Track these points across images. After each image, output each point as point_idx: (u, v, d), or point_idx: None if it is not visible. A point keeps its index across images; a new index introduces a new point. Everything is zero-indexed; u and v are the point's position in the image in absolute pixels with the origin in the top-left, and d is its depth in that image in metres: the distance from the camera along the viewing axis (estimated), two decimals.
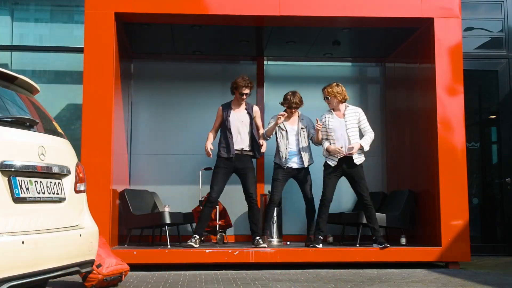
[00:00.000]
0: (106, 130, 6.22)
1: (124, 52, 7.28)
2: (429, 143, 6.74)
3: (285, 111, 6.87)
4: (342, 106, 6.67)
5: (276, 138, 6.88)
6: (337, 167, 6.56)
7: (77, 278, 5.58)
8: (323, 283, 5.18)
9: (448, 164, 6.46)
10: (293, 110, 6.88)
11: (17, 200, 3.16)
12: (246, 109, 6.78)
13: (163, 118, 8.28)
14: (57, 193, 3.57)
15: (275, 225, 7.49)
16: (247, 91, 6.69)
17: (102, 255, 4.86)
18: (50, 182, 3.51)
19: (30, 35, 8.70)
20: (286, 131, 6.85)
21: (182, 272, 5.98)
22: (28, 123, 3.47)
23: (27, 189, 3.27)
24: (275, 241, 7.40)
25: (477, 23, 8.44)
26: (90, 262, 3.79)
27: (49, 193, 3.48)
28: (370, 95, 8.68)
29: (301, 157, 6.83)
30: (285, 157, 6.78)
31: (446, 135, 6.52)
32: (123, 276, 5.08)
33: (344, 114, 6.63)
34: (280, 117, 6.61)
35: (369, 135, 6.60)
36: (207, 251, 6.21)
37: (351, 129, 6.55)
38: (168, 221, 6.69)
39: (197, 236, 6.47)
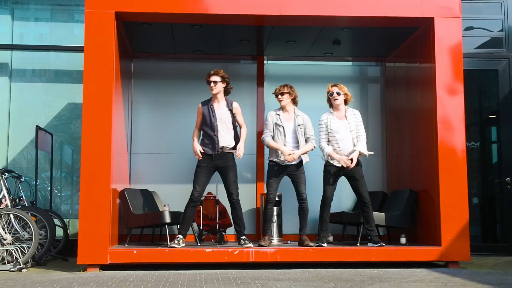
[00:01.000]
0: (106, 129, 6.22)
1: (124, 52, 7.28)
2: (429, 143, 6.74)
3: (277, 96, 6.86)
4: (344, 107, 6.69)
5: (273, 135, 6.85)
6: (337, 166, 6.58)
7: (77, 277, 5.58)
8: (323, 283, 5.18)
9: (448, 163, 6.46)
10: (280, 97, 6.82)
11: None
12: (226, 106, 6.72)
13: (163, 118, 8.29)
14: None
15: (275, 224, 7.49)
16: (213, 78, 6.62)
17: None
18: None
19: (30, 34, 8.71)
20: (283, 127, 6.82)
21: (182, 271, 5.98)
22: None
23: None
24: (275, 240, 7.41)
25: (477, 23, 8.45)
26: None
27: None
28: (370, 95, 8.68)
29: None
30: (283, 160, 6.74)
31: (446, 134, 6.52)
32: None
33: (346, 116, 6.65)
34: (289, 157, 6.61)
35: (363, 139, 6.62)
36: (207, 250, 6.21)
37: (354, 131, 6.60)
38: (168, 220, 6.70)
39: (181, 237, 6.45)
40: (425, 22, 6.81)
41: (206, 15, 6.57)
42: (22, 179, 7.24)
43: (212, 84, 6.65)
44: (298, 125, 6.81)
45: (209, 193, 7.60)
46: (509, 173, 8.14)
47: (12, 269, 6.06)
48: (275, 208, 7.41)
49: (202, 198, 7.47)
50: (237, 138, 6.72)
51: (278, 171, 6.77)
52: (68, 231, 7.66)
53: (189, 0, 6.56)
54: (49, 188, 8.00)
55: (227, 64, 8.53)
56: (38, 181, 7.70)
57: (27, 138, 8.25)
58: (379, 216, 6.97)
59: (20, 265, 6.13)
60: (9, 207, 6.69)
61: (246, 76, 8.49)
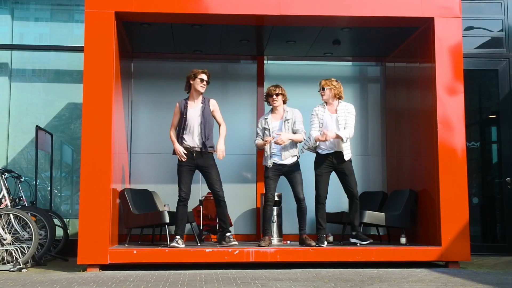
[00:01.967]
0: (106, 129, 6.22)
1: (124, 51, 7.28)
2: (429, 143, 6.74)
3: (266, 100, 6.92)
4: (335, 102, 6.70)
5: (262, 139, 6.90)
6: (328, 162, 6.59)
7: (77, 277, 5.58)
8: (323, 282, 5.18)
9: (448, 163, 6.45)
10: (275, 98, 6.84)
11: None
12: (202, 103, 6.67)
13: (163, 117, 8.26)
14: None
15: (275, 224, 7.48)
16: (204, 76, 6.62)
17: None
18: None
19: (30, 34, 8.71)
20: (269, 129, 6.83)
21: (182, 271, 5.98)
22: None
23: None
24: (275, 240, 7.40)
25: (477, 23, 8.45)
26: None
27: None
28: (370, 95, 8.68)
29: (283, 150, 6.78)
30: (269, 154, 6.76)
31: (446, 134, 6.52)
32: None
33: (336, 110, 6.66)
34: (279, 139, 6.63)
35: (348, 130, 6.56)
36: (207, 250, 6.21)
37: (342, 125, 6.59)
38: (168, 220, 6.69)
39: (178, 237, 6.46)
40: (425, 22, 6.81)
41: (206, 15, 6.57)
42: (22, 179, 7.25)
43: (204, 83, 6.65)
44: (286, 120, 6.81)
45: (209, 193, 7.59)
46: (509, 173, 8.14)
47: (12, 269, 6.06)
48: (275, 208, 7.41)
49: (202, 198, 7.48)
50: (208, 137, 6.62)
51: (273, 170, 6.77)
52: (68, 231, 7.66)
53: (189, 0, 6.56)
54: (49, 188, 7.99)
55: (227, 64, 8.54)
56: (38, 181, 7.70)
57: (27, 138, 8.25)
58: (379, 216, 6.98)
59: (20, 265, 6.13)
60: (9, 207, 6.69)
61: (246, 76, 8.49)
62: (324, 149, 6.64)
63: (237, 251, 6.20)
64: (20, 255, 6.27)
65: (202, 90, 6.64)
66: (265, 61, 8.54)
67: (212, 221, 7.47)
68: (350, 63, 8.83)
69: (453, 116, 6.54)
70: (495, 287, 5.00)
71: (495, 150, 8.50)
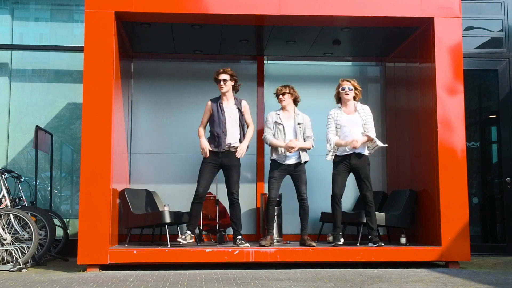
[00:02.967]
0: (106, 129, 6.22)
1: (124, 51, 7.28)
2: (429, 143, 6.74)
3: (277, 96, 6.91)
4: (353, 103, 6.72)
5: (274, 134, 6.84)
6: (346, 162, 6.57)
7: (77, 277, 5.58)
8: (323, 282, 5.18)
9: (448, 163, 6.46)
10: (282, 97, 6.85)
11: None
12: (235, 104, 6.74)
13: (163, 117, 8.28)
14: None
15: (275, 224, 7.48)
16: (222, 76, 6.66)
17: None
18: None
19: (30, 34, 8.71)
20: (283, 125, 6.82)
21: (182, 271, 5.98)
22: None
23: None
24: (275, 240, 7.40)
25: (477, 23, 8.45)
26: None
27: None
28: (370, 95, 8.67)
29: (299, 153, 6.81)
30: (284, 153, 6.75)
31: (446, 134, 6.52)
32: None
33: (355, 111, 6.67)
34: (291, 145, 6.63)
35: (372, 131, 6.64)
36: (207, 250, 6.21)
37: (360, 125, 6.63)
38: (168, 220, 6.69)
39: (189, 232, 6.48)
40: (425, 22, 6.81)
41: (206, 15, 6.57)
42: (22, 179, 7.24)
43: (221, 83, 6.67)
44: (298, 124, 6.82)
45: (209, 193, 7.59)
46: (509, 173, 8.14)
47: (12, 269, 6.06)
48: (275, 208, 7.41)
49: None
50: (243, 137, 6.74)
51: (280, 170, 6.76)
52: (68, 231, 7.66)
53: (189, 0, 6.56)
54: (49, 188, 8.00)
55: (227, 64, 8.50)
56: (38, 181, 7.70)
57: (27, 138, 8.25)
58: (379, 216, 6.97)
59: (20, 265, 6.13)
60: (9, 207, 6.69)
61: (246, 76, 8.48)
62: (343, 150, 6.63)
63: (237, 251, 6.20)
64: (20, 255, 6.27)
65: (222, 90, 6.70)
66: (265, 61, 8.55)
67: (212, 221, 7.47)
68: (350, 63, 8.83)
69: (453, 116, 6.54)
70: (495, 287, 5.00)
71: (495, 150, 8.50)
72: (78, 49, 7.78)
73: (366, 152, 6.70)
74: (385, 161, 8.41)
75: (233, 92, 6.80)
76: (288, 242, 7.29)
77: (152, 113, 8.28)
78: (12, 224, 6.36)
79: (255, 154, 8.19)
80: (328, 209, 7.82)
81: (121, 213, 6.88)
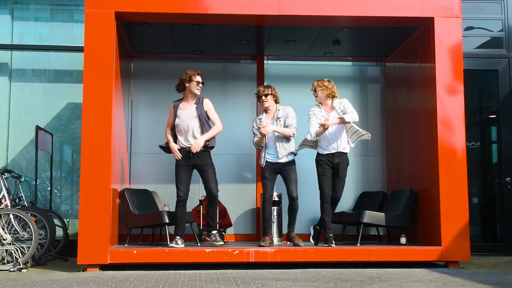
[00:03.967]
0: (106, 129, 6.22)
1: (124, 51, 7.28)
2: (429, 143, 6.74)
3: (259, 98, 6.91)
4: (329, 101, 6.70)
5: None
6: (328, 162, 6.59)
7: (77, 277, 5.58)
8: (323, 282, 5.18)
9: (448, 163, 6.45)
10: (264, 99, 6.83)
11: None
12: (195, 103, 6.64)
13: (163, 117, 8.23)
14: None
15: (275, 224, 7.49)
16: (200, 78, 6.61)
17: None
18: None
19: (30, 34, 8.71)
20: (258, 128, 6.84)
21: (182, 271, 5.98)
22: None
23: None
24: (275, 240, 7.40)
25: (477, 23, 8.45)
26: None
27: None
28: (370, 95, 8.68)
29: (276, 148, 6.76)
30: (263, 155, 6.77)
31: (446, 134, 6.52)
32: None
33: (332, 108, 6.67)
34: (262, 128, 6.62)
35: (351, 115, 6.52)
36: (207, 250, 6.21)
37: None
38: (168, 220, 6.69)
39: (178, 237, 6.47)
40: (425, 22, 6.81)
41: (206, 15, 6.57)
42: (22, 179, 7.24)
43: (201, 85, 6.64)
44: (278, 118, 6.81)
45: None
46: (509, 173, 8.14)
47: (12, 269, 6.06)
48: (275, 208, 7.42)
49: (202, 198, 7.47)
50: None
51: (270, 169, 6.77)
52: (68, 231, 7.66)
53: (189, 0, 6.56)
54: (49, 188, 8.00)
55: (227, 64, 8.54)
56: (38, 181, 7.70)
57: (27, 138, 8.25)
58: (379, 216, 6.97)
59: (20, 265, 6.13)
60: (9, 207, 6.69)
61: (246, 76, 8.49)
62: (326, 148, 6.64)
63: (237, 251, 6.20)
64: (20, 255, 6.27)
65: (199, 93, 6.65)
66: (265, 61, 8.55)
67: None
68: (350, 63, 8.83)
69: (453, 116, 6.54)
70: (495, 287, 5.00)
71: (495, 150, 8.50)
72: (78, 49, 7.78)
73: (347, 151, 6.67)
74: (385, 161, 8.41)
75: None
76: (288, 242, 7.28)
77: (152, 113, 8.28)
78: (12, 224, 6.36)
79: (255, 154, 8.19)
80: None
81: (121, 213, 6.88)
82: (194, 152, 6.49)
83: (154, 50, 8.23)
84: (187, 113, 6.60)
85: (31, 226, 6.27)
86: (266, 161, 6.78)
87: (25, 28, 8.68)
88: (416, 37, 7.26)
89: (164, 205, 7.35)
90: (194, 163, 6.59)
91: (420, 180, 7.09)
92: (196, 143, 6.50)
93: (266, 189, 6.77)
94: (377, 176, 8.43)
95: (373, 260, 6.33)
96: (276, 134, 6.77)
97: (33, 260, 6.43)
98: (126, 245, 6.80)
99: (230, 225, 7.65)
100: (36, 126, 7.38)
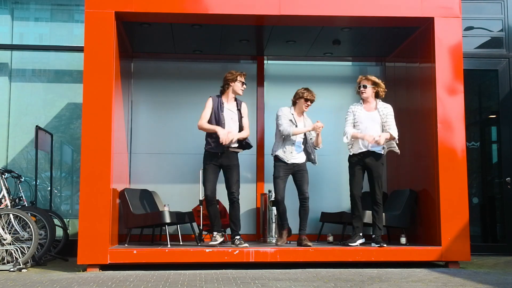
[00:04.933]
0: (106, 129, 6.22)
1: (124, 51, 7.28)
2: (429, 143, 6.74)
3: (294, 104, 6.81)
4: (373, 100, 6.67)
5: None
6: (360, 160, 6.56)
7: (77, 277, 5.58)
8: (323, 282, 5.18)
9: (448, 163, 6.45)
10: (308, 104, 6.78)
11: None
12: (236, 105, 6.70)
13: (163, 117, 8.29)
14: None
15: (275, 224, 7.49)
16: (244, 79, 6.66)
17: None
18: None
19: (30, 34, 8.71)
20: (296, 125, 6.77)
21: (182, 271, 5.98)
22: None
23: None
24: (275, 240, 7.40)
25: (477, 23, 8.45)
26: None
27: None
28: None
29: (304, 154, 6.78)
30: (291, 152, 6.71)
31: (446, 134, 6.52)
32: None
33: (375, 108, 6.62)
34: (318, 128, 6.56)
35: (394, 131, 6.55)
36: (207, 250, 6.21)
37: (378, 123, 6.57)
38: (168, 220, 6.69)
39: (215, 233, 6.56)
40: (425, 22, 6.81)
41: (206, 15, 6.57)
42: (22, 179, 7.24)
43: (244, 86, 6.68)
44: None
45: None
46: (509, 173, 8.14)
47: (12, 269, 6.06)
48: (275, 208, 7.41)
49: (202, 198, 7.47)
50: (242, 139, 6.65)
51: (286, 169, 6.73)
52: (68, 231, 7.66)
53: (189, 0, 6.56)
54: (49, 188, 7.99)
55: (227, 64, 8.53)
56: (38, 181, 7.70)
57: (27, 138, 8.25)
58: None
59: (20, 265, 6.13)
60: (9, 207, 6.68)
61: (246, 76, 8.47)
62: (358, 148, 6.59)
63: (237, 251, 6.20)
64: (20, 255, 6.27)
65: (242, 93, 6.67)
66: (265, 61, 8.55)
67: None
68: (350, 63, 8.83)
69: (453, 116, 6.54)
70: (495, 287, 5.00)
71: (495, 150, 8.50)
72: (78, 49, 7.78)
73: (382, 151, 6.65)
74: (385, 161, 8.39)
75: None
76: (288, 242, 7.28)
77: (152, 113, 8.28)
78: (12, 224, 6.36)
79: (255, 154, 8.19)
80: (328, 209, 7.85)
81: (121, 213, 6.88)
82: (224, 142, 6.39)
83: (154, 50, 8.23)
84: (229, 113, 6.61)
85: (31, 226, 6.27)
86: (282, 160, 6.71)
87: (25, 28, 8.68)
88: (416, 37, 7.26)
89: (164, 205, 7.35)
90: (222, 163, 6.58)
91: (420, 180, 7.09)
92: (226, 135, 6.40)
93: (279, 190, 6.68)
94: None
95: (373, 260, 6.33)
96: (306, 141, 6.75)
97: (33, 260, 6.43)
98: (126, 245, 6.80)
99: (230, 225, 7.64)
100: (36, 126, 7.38)
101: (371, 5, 6.61)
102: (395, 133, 6.54)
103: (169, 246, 6.52)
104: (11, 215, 6.38)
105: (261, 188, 8.10)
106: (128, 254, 6.13)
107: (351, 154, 6.62)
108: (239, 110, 6.68)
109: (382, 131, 6.57)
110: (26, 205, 7.12)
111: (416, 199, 7.12)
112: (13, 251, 6.28)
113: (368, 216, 6.86)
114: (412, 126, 7.44)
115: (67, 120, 8.42)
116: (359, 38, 7.80)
